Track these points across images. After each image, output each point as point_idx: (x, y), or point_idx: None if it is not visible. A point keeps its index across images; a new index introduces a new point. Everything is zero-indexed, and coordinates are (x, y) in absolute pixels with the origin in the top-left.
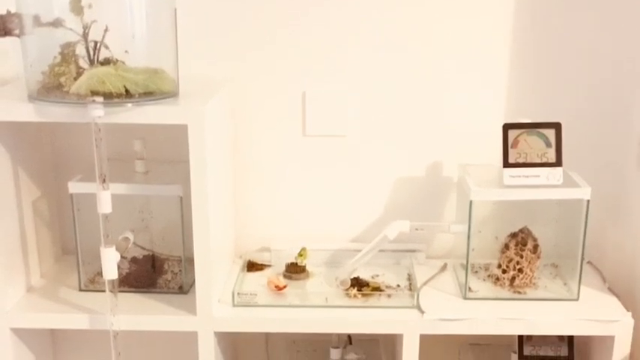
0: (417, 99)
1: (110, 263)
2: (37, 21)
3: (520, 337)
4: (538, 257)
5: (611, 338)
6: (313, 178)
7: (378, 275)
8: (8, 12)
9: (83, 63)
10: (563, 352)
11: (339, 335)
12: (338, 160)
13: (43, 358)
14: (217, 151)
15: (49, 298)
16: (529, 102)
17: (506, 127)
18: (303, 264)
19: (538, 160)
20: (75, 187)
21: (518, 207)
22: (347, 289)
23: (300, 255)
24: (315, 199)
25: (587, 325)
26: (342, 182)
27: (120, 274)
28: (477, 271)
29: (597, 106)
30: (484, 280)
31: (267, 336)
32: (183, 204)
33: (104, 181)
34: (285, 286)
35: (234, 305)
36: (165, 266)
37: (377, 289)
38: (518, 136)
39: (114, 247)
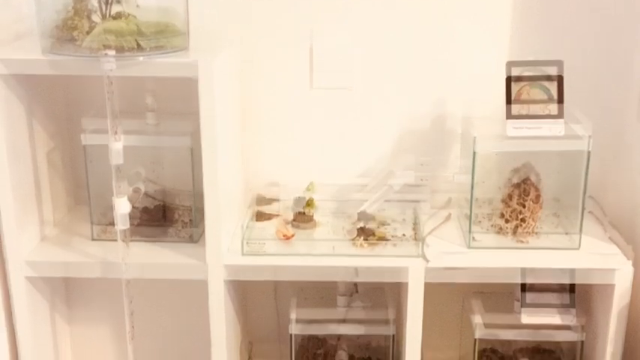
0: (422, 52)
1: (122, 213)
2: None
3: (523, 286)
4: (540, 207)
5: (612, 286)
6: (320, 130)
7: (383, 225)
8: None
9: (95, 17)
10: (565, 300)
11: (345, 283)
12: (344, 112)
13: (57, 305)
14: (226, 103)
15: (62, 248)
16: (531, 50)
17: (510, 80)
18: (311, 214)
19: (540, 113)
20: (88, 138)
21: (521, 158)
22: (353, 238)
23: (308, 189)
24: (321, 150)
25: (588, 274)
26: (348, 134)
27: (131, 223)
28: (480, 221)
29: (599, 55)
30: (487, 229)
31: (276, 284)
32: (194, 155)
33: (116, 132)
34: (293, 235)
35: (243, 254)
36: (176, 216)
37: (383, 238)
38: (521, 88)
39: (125, 198)
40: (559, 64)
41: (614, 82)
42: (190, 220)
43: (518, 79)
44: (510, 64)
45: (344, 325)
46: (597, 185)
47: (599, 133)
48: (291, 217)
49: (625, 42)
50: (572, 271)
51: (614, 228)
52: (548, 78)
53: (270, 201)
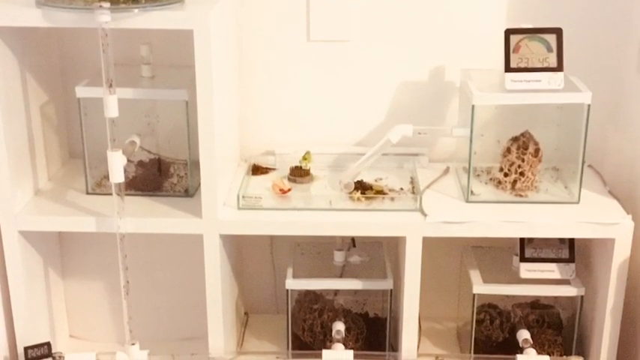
0: (421, 3)
1: (117, 167)
2: None
3: (522, 240)
4: (539, 161)
5: (612, 241)
6: (317, 83)
7: (381, 178)
8: None
9: None
10: (564, 254)
11: (342, 238)
12: (342, 64)
13: (51, 260)
14: (222, 55)
15: (56, 201)
16: (531, 5)
17: (508, 32)
18: (308, 167)
19: (539, 65)
20: (82, 91)
21: (520, 111)
22: (351, 192)
23: (304, 159)
24: (319, 103)
25: (588, 228)
26: (345, 87)
27: (126, 177)
28: (479, 175)
29: (598, 11)
30: (486, 183)
31: (272, 239)
32: (189, 108)
33: (111, 85)
34: (289, 190)
35: (239, 208)
36: (172, 170)
37: (380, 192)
38: (519, 41)
39: (120, 151)
40: (558, 31)
41: (612, 47)
42: (186, 174)
43: (517, 31)
44: (509, 32)
45: (341, 280)
46: (596, 153)
47: (598, 100)
48: (287, 171)
49: (624, 4)
50: (571, 226)
51: (613, 197)
52: (547, 31)
53: (266, 170)
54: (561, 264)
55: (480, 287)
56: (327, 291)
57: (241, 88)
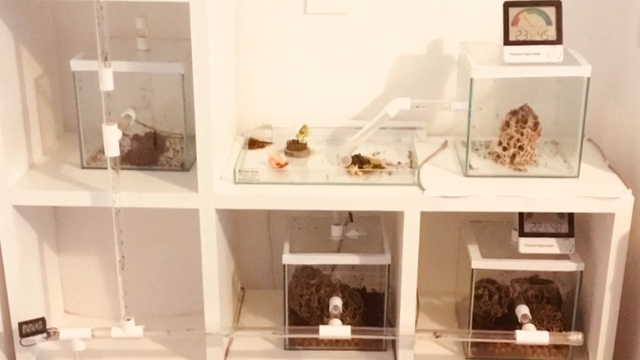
0: None
1: (112, 140)
2: None
3: (520, 215)
4: (538, 135)
5: (612, 215)
6: (314, 56)
7: (379, 152)
8: None
9: None
10: (564, 229)
11: (340, 212)
12: (339, 37)
13: (46, 235)
14: (219, 28)
15: (51, 176)
16: None
17: (507, 5)
18: (305, 141)
19: (538, 38)
20: (77, 64)
21: (519, 84)
22: (348, 167)
23: (301, 132)
24: (316, 76)
25: (588, 202)
26: (343, 60)
27: (122, 151)
28: (477, 149)
29: None
30: (485, 157)
31: (269, 213)
32: (185, 81)
33: (106, 58)
34: (286, 164)
35: (235, 182)
36: (167, 143)
37: (378, 166)
38: (518, 13)
39: (116, 125)
40: (557, 4)
41: (612, 20)
42: (182, 148)
43: (516, 4)
44: (508, 4)
45: (338, 255)
46: (595, 127)
47: (598, 73)
48: (284, 145)
49: None
50: (570, 200)
51: (612, 171)
52: (547, 3)
53: (262, 144)
54: (560, 239)
55: (479, 262)
56: (325, 266)
57: (238, 61)
